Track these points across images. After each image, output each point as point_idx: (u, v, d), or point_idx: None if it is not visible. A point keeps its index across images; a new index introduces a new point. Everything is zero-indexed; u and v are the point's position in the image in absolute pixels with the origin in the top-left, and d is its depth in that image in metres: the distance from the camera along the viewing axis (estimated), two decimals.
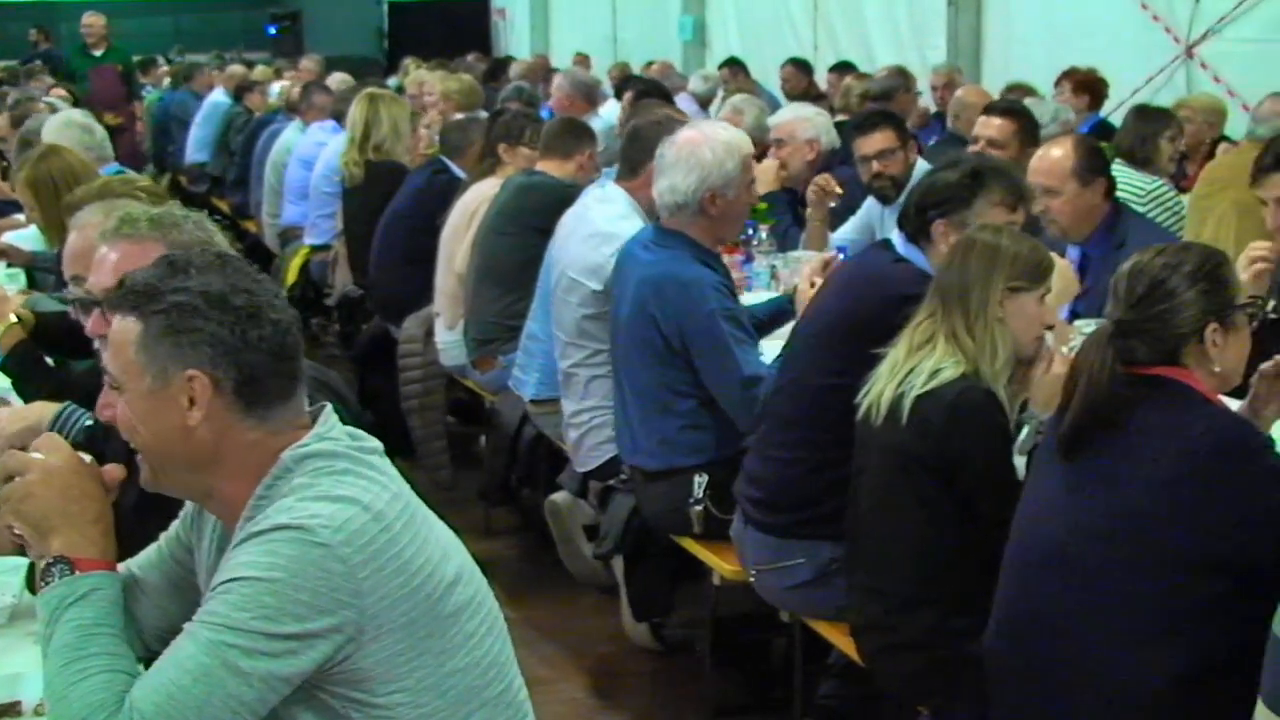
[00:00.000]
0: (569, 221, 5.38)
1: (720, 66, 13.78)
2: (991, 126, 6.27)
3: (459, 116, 8.31)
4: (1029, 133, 6.32)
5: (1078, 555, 3.02)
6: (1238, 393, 3.38)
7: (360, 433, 2.39)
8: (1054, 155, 5.07)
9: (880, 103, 9.27)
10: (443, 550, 2.35)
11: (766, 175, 6.85)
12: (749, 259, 6.42)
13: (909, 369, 3.57)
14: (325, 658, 2.19)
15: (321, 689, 2.23)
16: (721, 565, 4.54)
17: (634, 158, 5.23)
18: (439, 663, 2.29)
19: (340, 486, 2.25)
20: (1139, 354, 3.04)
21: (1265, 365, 3.31)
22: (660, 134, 4.94)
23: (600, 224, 5.15)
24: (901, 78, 10.10)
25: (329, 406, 2.40)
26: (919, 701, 3.73)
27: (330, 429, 2.35)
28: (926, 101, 10.94)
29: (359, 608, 2.19)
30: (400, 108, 8.02)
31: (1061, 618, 3.05)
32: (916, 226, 4.09)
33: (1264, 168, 4.66)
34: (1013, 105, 6.82)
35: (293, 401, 2.35)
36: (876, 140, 6.18)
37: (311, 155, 9.17)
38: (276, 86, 12.86)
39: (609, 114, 9.29)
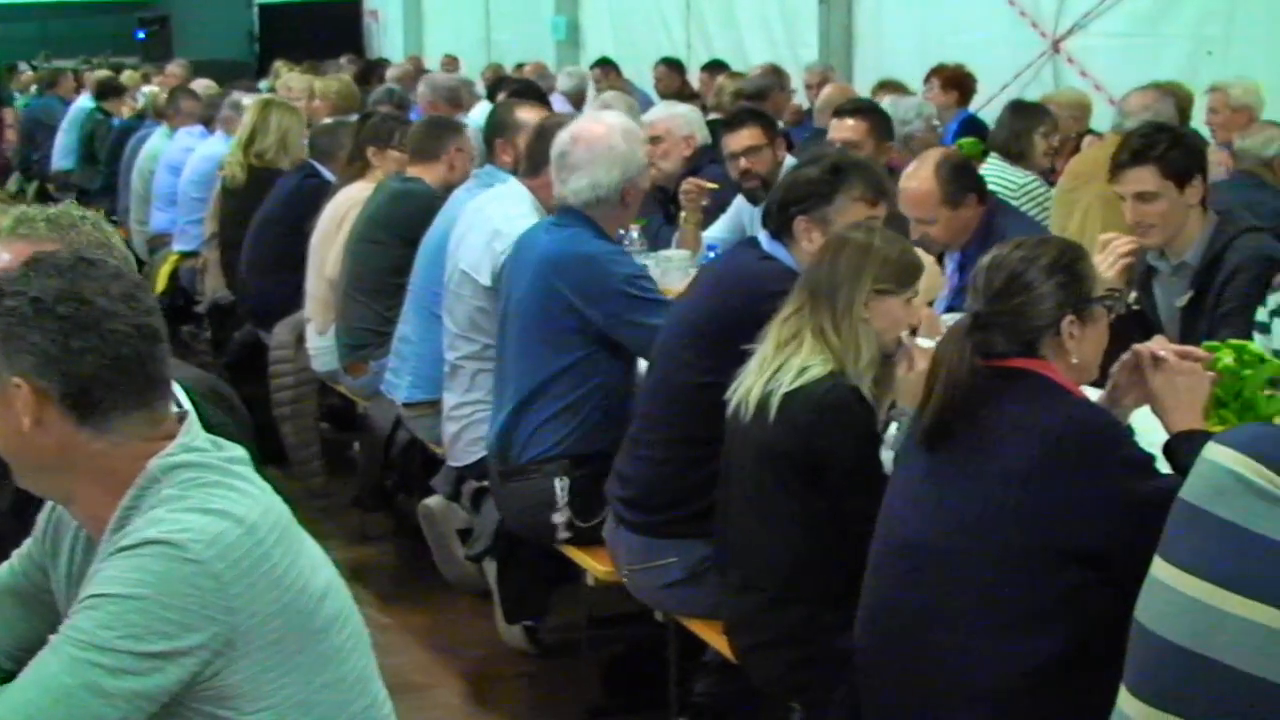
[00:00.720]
0: (468, 215, 5.33)
1: (592, 66, 13.79)
2: (845, 129, 6.29)
3: (327, 120, 8.22)
4: (882, 129, 6.38)
5: (939, 549, 3.03)
6: (1098, 383, 3.41)
7: (225, 442, 2.34)
8: (919, 190, 5.11)
9: (755, 101, 9.31)
10: (313, 562, 2.31)
11: None
12: None
13: (777, 366, 3.57)
14: (192, 675, 2.13)
15: (186, 707, 2.17)
16: (594, 566, 4.53)
17: (538, 156, 5.17)
18: (307, 679, 2.23)
19: (212, 500, 2.20)
20: (997, 346, 3.06)
21: (1124, 356, 3.34)
22: None
23: (497, 221, 5.10)
24: (776, 76, 10.16)
25: (192, 414, 2.34)
26: (791, 697, 3.74)
27: (195, 439, 2.29)
28: (800, 99, 11.02)
29: (230, 624, 2.13)
30: (294, 118, 7.93)
31: (924, 612, 3.06)
32: (779, 223, 4.10)
33: (1120, 164, 4.71)
34: (860, 105, 6.85)
35: (142, 413, 2.26)
36: (744, 137, 6.18)
37: (179, 161, 9.06)
38: (145, 90, 12.68)
39: (480, 116, 9.25)
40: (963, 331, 3.07)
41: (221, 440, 2.33)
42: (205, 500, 2.19)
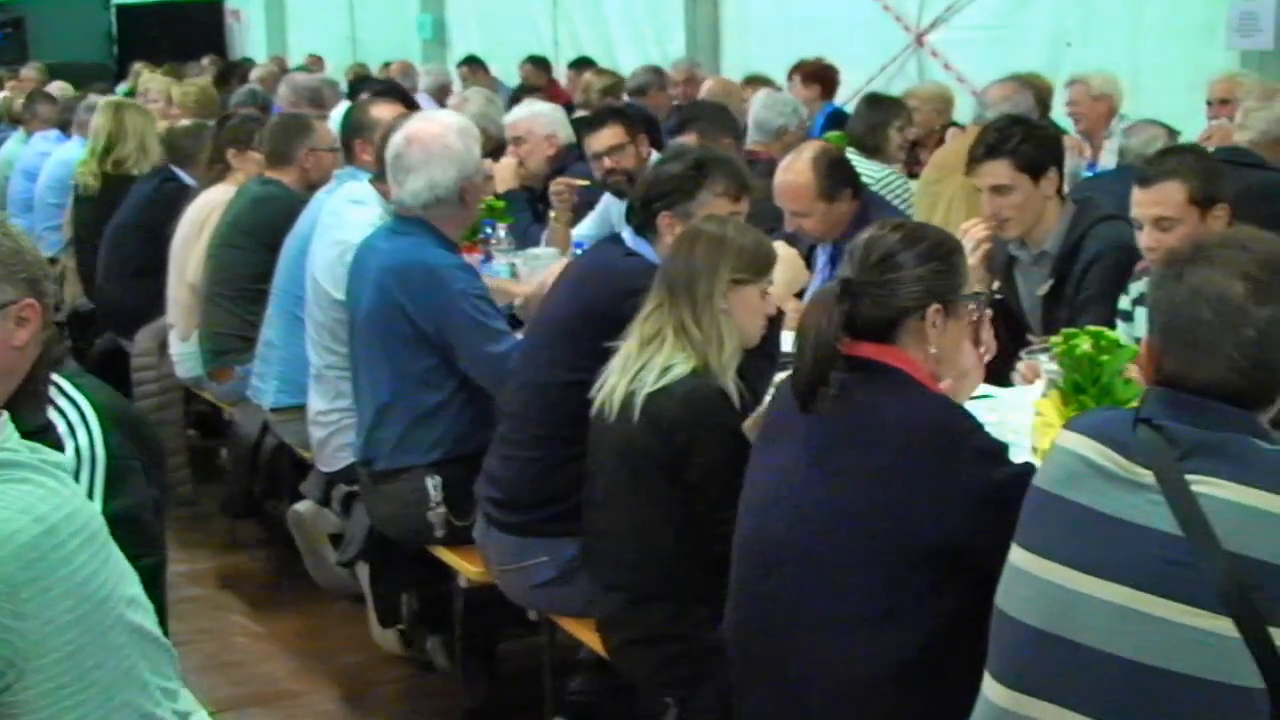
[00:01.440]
0: (325, 220, 5.28)
1: (459, 64, 13.75)
2: (606, 138, 6.24)
3: (186, 122, 8.10)
4: (728, 128, 6.43)
5: (801, 546, 3.02)
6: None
7: (41, 447, 2.24)
8: (796, 182, 5.17)
9: (637, 98, 9.33)
10: (119, 574, 2.18)
11: (505, 173, 6.86)
12: (488, 258, 6.39)
13: (641, 365, 3.57)
14: None
15: None
16: (466, 567, 4.50)
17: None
18: (106, 696, 2.11)
19: (11, 496, 2.06)
20: (862, 314, 3.02)
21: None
22: None
23: (350, 230, 5.03)
24: (655, 74, 10.20)
25: (5, 416, 2.23)
26: (664, 692, 3.73)
27: (8, 439, 2.18)
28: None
29: (19, 632, 2.00)
30: (148, 120, 7.82)
31: (789, 608, 3.04)
32: (643, 219, 4.11)
33: (976, 158, 4.78)
34: (606, 113, 6.79)
35: None
36: (606, 136, 6.19)
37: (35, 166, 8.90)
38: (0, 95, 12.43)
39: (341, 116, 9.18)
40: (832, 296, 3.04)
41: (39, 447, 2.23)
42: (1, 496, 2.06)
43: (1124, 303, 4.49)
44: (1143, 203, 4.25)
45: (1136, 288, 4.43)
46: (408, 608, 5.02)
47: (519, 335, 4.57)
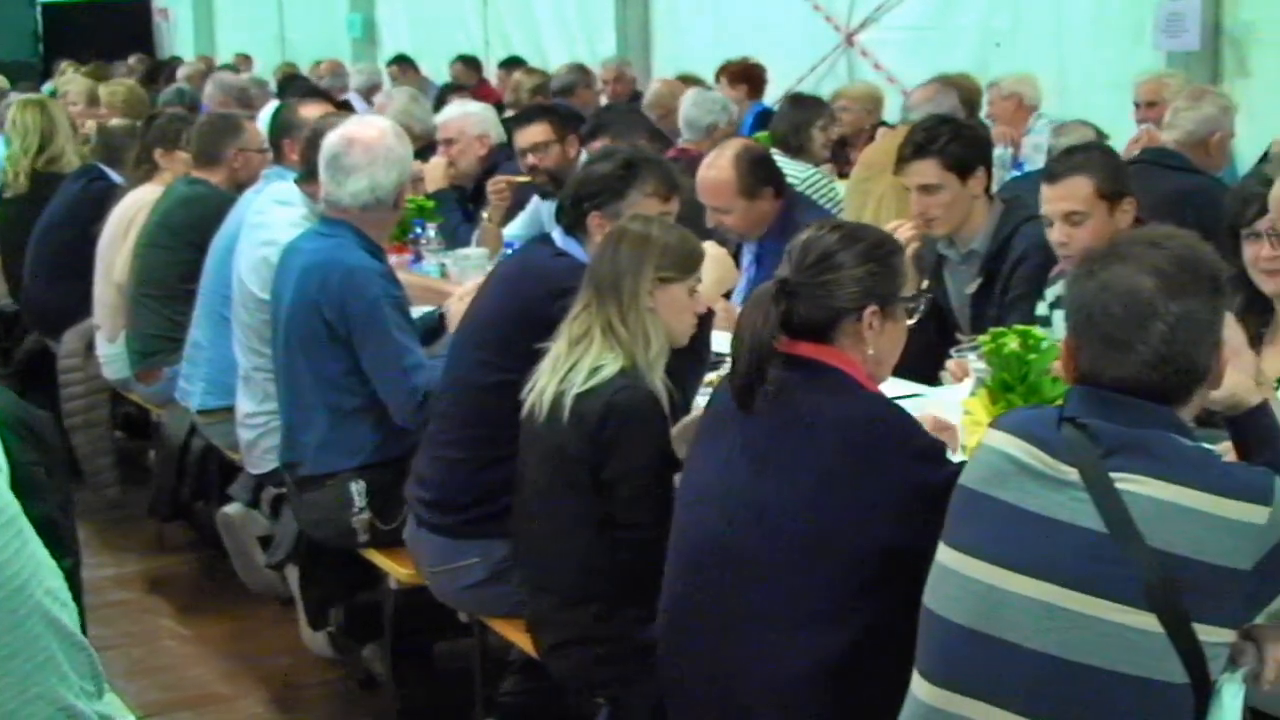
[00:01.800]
0: (251, 219, 5.23)
1: (389, 63, 13.70)
2: (533, 134, 6.26)
3: (117, 121, 8.03)
4: (641, 130, 6.46)
5: (737, 545, 3.01)
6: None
7: None
8: (717, 179, 5.21)
9: (562, 97, 9.32)
10: (35, 565, 2.16)
11: (435, 173, 6.84)
12: (418, 258, 6.38)
13: (570, 365, 3.55)
14: None
15: None
16: (397, 569, 4.48)
17: (315, 160, 5.07)
18: (21, 687, 2.01)
19: None
20: (799, 314, 3.02)
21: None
22: None
23: (275, 230, 4.99)
24: (581, 73, 10.19)
25: None
26: (596, 692, 3.73)
27: None
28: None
29: None
30: (64, 111, 7.73)
31: (723, 607, 3.04)
32: (573, 219, 4.10)
33: (904, 157, 4.81)
34: (534, 110, 6.82)
35: None
36: (531, 133, 6.18)
37: None
38: None
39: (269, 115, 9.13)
40: (769, 296, 3.03)
41: None
42: None
43: (1041, 308, 4.48)
44: (1051, 199, 4.30)
45: (1053, 291, 4.44)
46: (338, 616, 4.99)
47: (424, 354, 4.55)
